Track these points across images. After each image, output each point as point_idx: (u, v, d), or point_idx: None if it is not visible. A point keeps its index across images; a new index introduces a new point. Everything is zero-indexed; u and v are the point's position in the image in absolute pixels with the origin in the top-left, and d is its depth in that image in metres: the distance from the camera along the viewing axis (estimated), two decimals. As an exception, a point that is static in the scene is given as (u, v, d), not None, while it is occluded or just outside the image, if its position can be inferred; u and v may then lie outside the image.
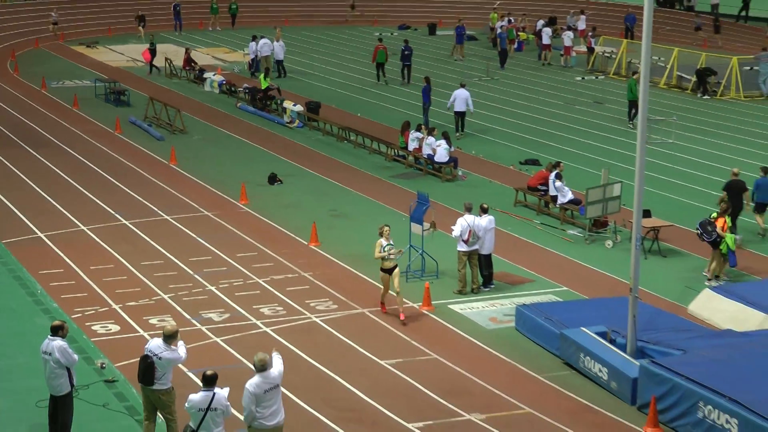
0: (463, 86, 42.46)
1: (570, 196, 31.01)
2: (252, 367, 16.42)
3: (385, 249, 23.48)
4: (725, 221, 26.36)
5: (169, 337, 17.56)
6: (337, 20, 76.26)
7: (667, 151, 39.70)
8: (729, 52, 59.04)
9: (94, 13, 73.94)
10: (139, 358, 17.61)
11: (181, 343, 17.71)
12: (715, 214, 26.46)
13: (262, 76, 47.24)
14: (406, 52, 53.48)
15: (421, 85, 43.71)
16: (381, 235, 23.77)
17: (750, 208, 30.10)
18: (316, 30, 72.28)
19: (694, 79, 52.46)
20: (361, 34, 68.53)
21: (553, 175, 31.31)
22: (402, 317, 23.52)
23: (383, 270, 23.66)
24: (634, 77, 43.21)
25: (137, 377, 17.61)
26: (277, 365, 16.56)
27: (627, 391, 20.05)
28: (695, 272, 27.19)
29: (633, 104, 43.17)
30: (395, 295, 23.69)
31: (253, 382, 16.29)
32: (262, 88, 46.53)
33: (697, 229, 26.40)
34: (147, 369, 17.33)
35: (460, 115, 42.29)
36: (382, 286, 24.01)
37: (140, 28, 66.22)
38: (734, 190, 29.49)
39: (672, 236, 29.53)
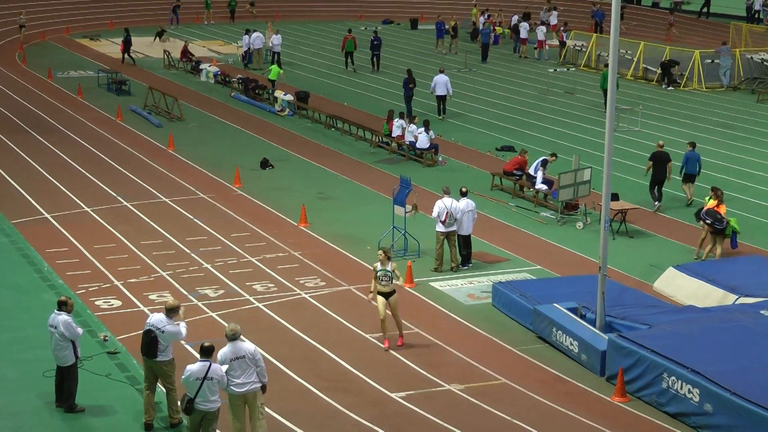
0: (441, 72, 43.14)
1: (540, 181, 31.05)
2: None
3: (378, 274, 20.90)
4: (725, 206, 26.43)
5: (171, 311, 17.54)
6: (329, 16, 76.10)
7: (634, 139, 39.71)
8: (691, 46, 59.07)
9: (97, 7, 73.48)
10: (141, 332, 17.59)
11: (183, 324, 17.67)
12: (712, 201, 26.36)
13: (275, 67, 47.16)
14: (375, 42, 54.42)
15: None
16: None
17: (670, 179, 31.05)
18: (305, 24, 72.03)
19: (659, 71, 52.49)
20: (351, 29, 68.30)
21: (539, 160, 31.37)
22: (400, 342, 21.17)
23: (379, 293, 21.01)
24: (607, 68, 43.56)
25: (141, 350, 17.57)
26: (251, 345, 16.64)
27: (596, 363, 20.08)
28: (660, 251, 27.24)
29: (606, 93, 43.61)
30: (395, 323, 21.14)
31: (221, 350, 16.45)
32: (270, 78, 46.34)
33: (705, 218, 26.18)
34: (150, 342, 17.30)
35: (441, 99, 42.95)
36: (379, 309, 21.05)
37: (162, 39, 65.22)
38: (659, 161, 30.48)
39: (638, 218, 29.57)
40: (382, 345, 21.07)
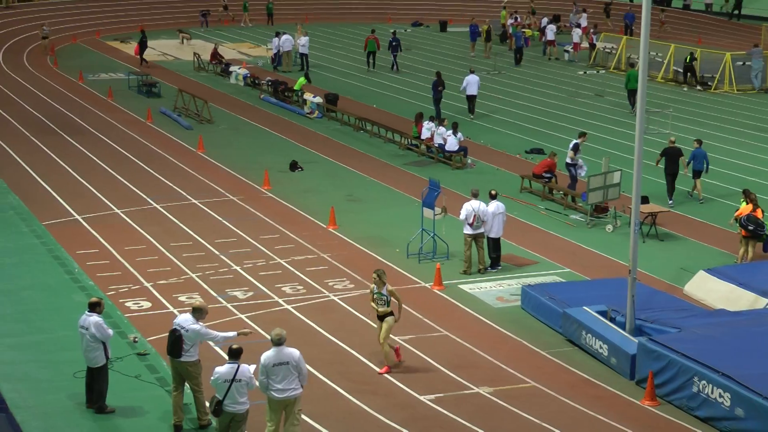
0: (472, 72, 43.61)
1: (583, 172, 31.36)
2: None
3: (374, 296, 19.99)
4: (761, 210, 26.27)
5: (197, 311, 17.60)
6: (354, 17, 76.15)
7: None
8: (722, 48, 58.80)
9: (127, 10, 73.82)
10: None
11: (233, 334, 17.73)
12: (746, 205, 26.11)
13: (302, 79, 47.14)
14: (393, 43, 55.57)
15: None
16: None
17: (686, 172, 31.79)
18: (334, 26, 72.13)
19: (681, 70, 52.34)
20: (378, 31, 68.34)
21: (571, 146, 31.53)
22: (382, 371, 20.16)
23: (378, 316, 20.25)
24: (634, 68, 44.22)
25: (166, 350, 17.63)
26: (296, 351, 16.54)
27: (626, 367, 20.00)
28: (690, 255, 27.11)
29: (632, 93, 44.25)
30: (380, 344, 20.20)
31: (265, 354, 16.45)
32: (295, 88, 46.35)
33: (747, 224, 25.88)
34: (175, 342, 17.36)
35: (472, 99, 43.30)
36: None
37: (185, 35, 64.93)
38: (671, 156, 31.31)
39: (668, 221, 29.44)
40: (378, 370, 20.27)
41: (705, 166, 31.51)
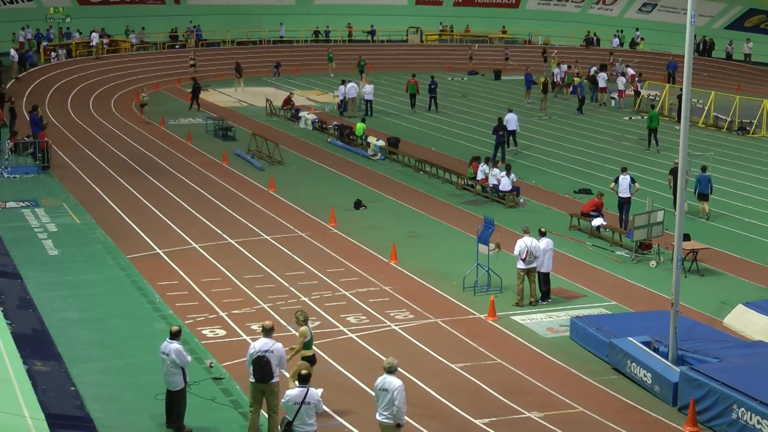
0: (510, 111, 45.40)
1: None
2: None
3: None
4: None
5: (269, 331, 17.76)
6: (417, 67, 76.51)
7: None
8: (762, 95, 58.33)
9: (206, 60, 74.61)
10: (244, 359, 17.67)
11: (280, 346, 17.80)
12: None
13: (361, 124, 47.23)
14: (432, 86, 56.96)
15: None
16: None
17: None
18: (396, 75, 72.40)
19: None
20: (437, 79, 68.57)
21: (629, 181, 32.08)
22: None
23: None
24: (655, 110, 47.92)
25: (256, 379, 17.63)
26: (398, 382, 16.36)
27: (669, 394, 19.86)
28: (729, 289, 26.88)
29: (652, 132, 46.28)
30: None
31: (379, 377, 16.46)
32: (357, 134, 46.55)
33: None
34: (264, 367, 17.43)
35: (512, 134, 44.84)
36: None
37: (239, 78, 65.19)
38: (677, 174, 31.32)
39: (709, 258, 29.21)
40: None
41: (710, 189, 33.61)
